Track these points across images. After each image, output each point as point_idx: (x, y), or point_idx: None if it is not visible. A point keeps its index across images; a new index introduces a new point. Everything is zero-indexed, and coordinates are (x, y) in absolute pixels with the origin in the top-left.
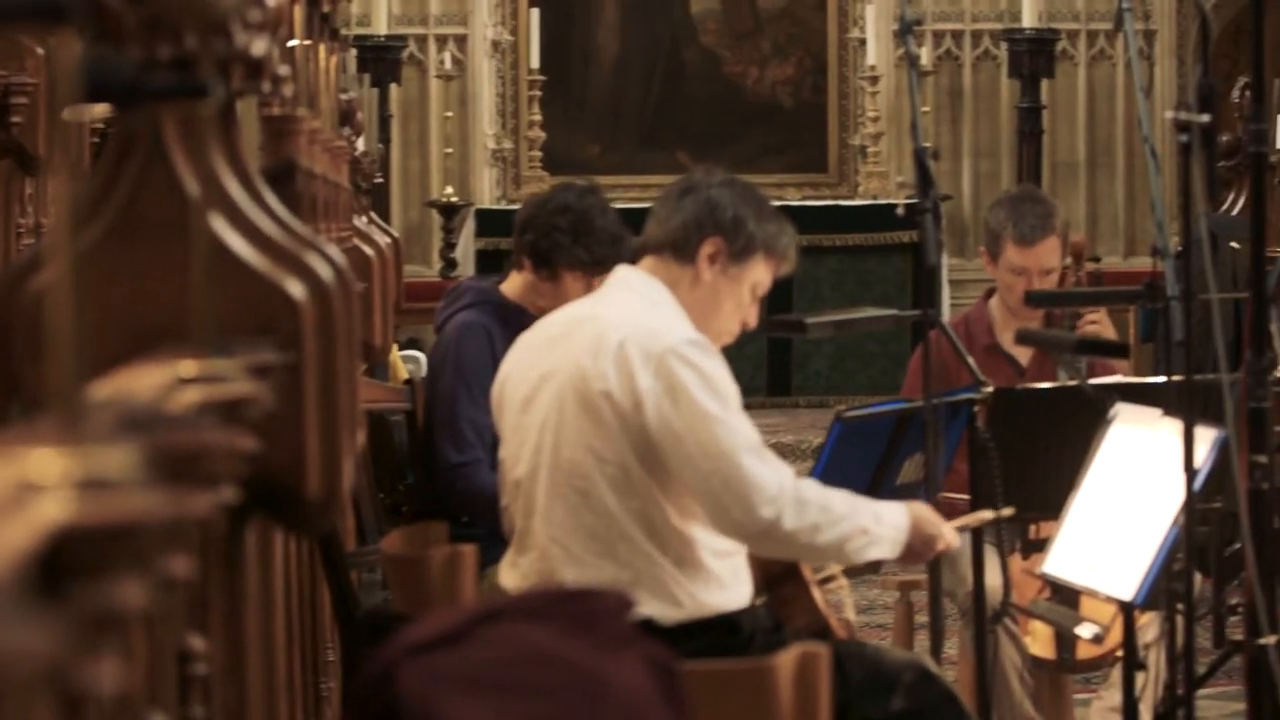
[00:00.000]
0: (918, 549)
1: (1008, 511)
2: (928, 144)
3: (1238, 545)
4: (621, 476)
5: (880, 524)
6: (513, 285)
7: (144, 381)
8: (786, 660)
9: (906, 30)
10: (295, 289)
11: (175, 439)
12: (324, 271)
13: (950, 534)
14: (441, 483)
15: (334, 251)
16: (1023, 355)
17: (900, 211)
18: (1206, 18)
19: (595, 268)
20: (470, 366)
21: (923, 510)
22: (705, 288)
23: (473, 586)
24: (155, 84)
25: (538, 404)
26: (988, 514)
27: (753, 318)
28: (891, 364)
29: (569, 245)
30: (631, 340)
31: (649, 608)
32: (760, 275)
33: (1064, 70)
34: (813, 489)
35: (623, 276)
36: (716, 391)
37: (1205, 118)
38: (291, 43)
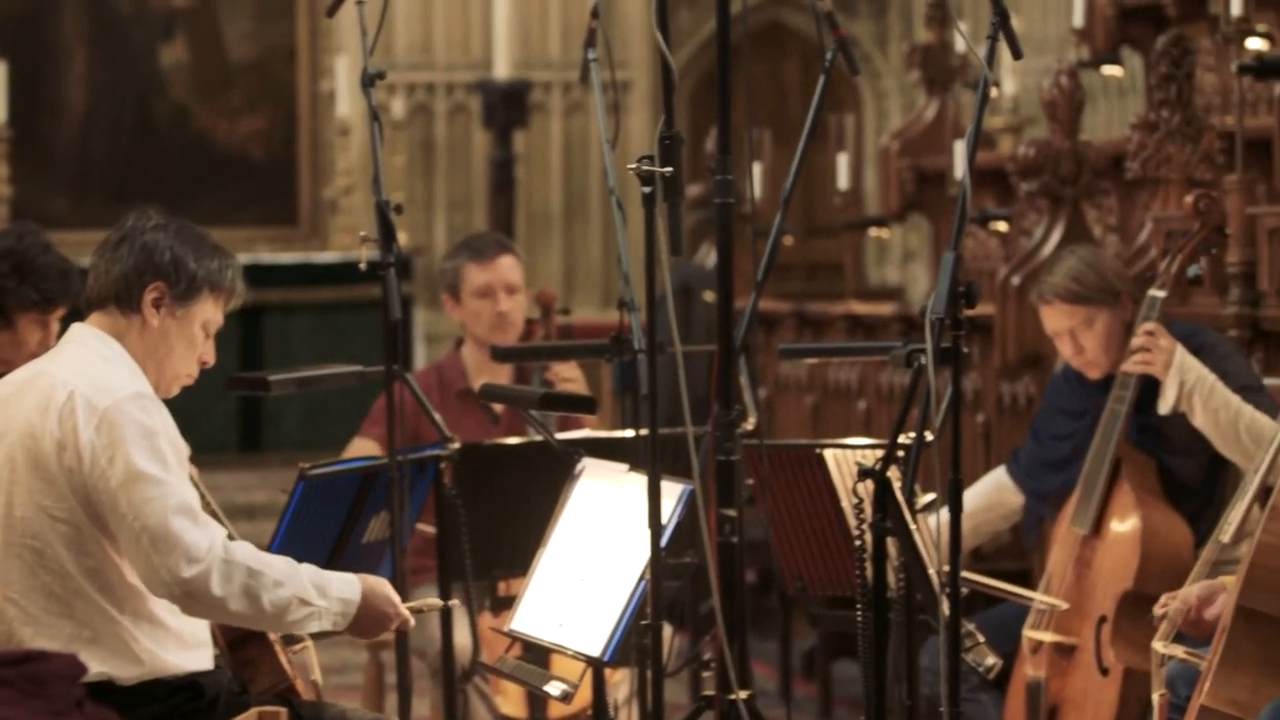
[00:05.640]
0: (366, 625)
1: (454, 602)
2: (392, 197)
3: None
4: (74, 534)
5: (324, 596)
6: None
7: None
8: None
9: (369, 83)
10: None
11: None
12: None
13: (406, 613)
14: None
15: None
16: (496, 403)
17: (364, 266)
18: (670, 67)
19: (47, 306)
20: None
21: (378, 586)
22: (154, 333)
23: None
24: None
25: None
26: (437, 602)
27: (210, 355)
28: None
29: (15, 288)
30: (79, 394)
31: (108, 666)
32: (210, 313)
33: (538, 121)
34: (250, 554)
35: (75, 333)
36: (155, 450)
37: (667, 170)
38: None
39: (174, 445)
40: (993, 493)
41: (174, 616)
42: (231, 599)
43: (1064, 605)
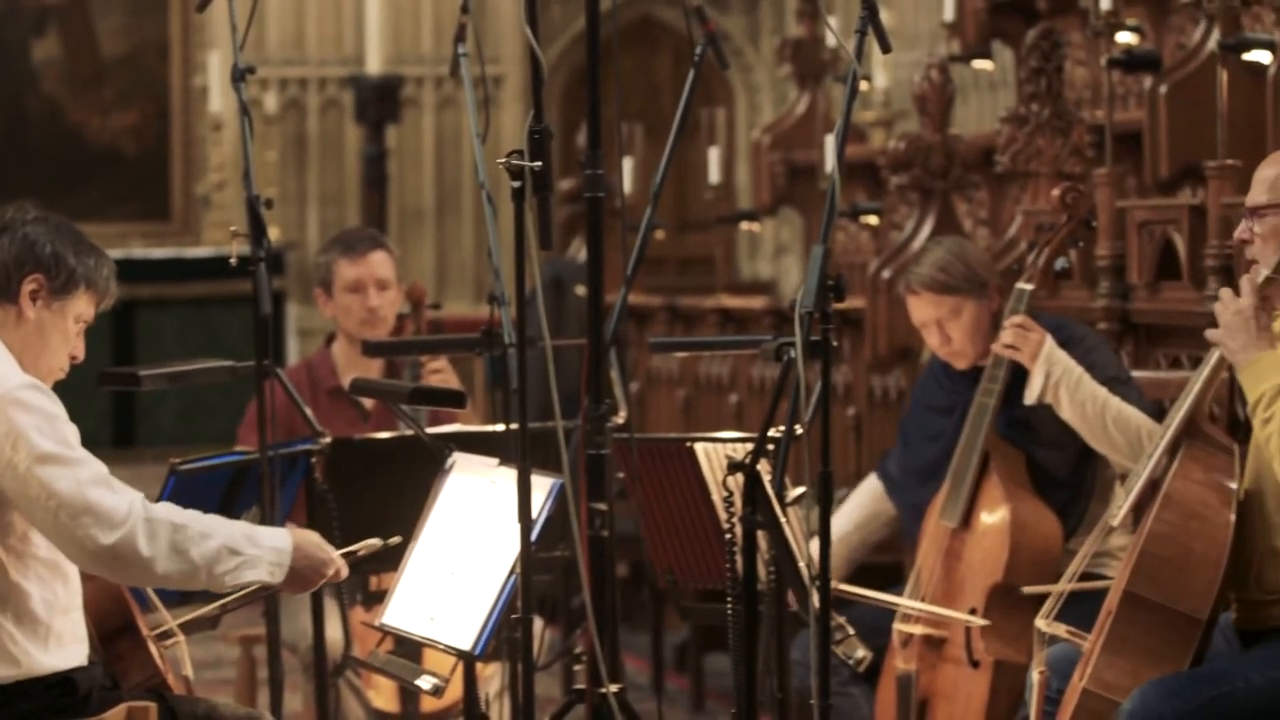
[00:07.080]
0: (304, 574)
1: (394, 540)
2: (264, 192)
3: None
4: None
5: (255, 545)
6: None
7: None
8: (112, 719)
9: (240, 78)
10: None
11: None
12: None
13: (340, 560)
14: None
15: None
16: (367, 399)
17: (234, 261)
18: (539, 62)
19: None
20: None
21: (308, 535)
22: (30, 325)
23: None
24: None
25: None
26: (376, 542)
27: (80, 350)
28: (237, 415)
29: None
30: None
31: None
32: (83, 308)
33: (410, 116)
34: (173, 512)
35: None
36: (55, 432)
37: (537, 164)
38: None
39: (72, 429)
40: (870, 503)
41: (56, 616)
42: (160, 558)
43: (978, 621)
